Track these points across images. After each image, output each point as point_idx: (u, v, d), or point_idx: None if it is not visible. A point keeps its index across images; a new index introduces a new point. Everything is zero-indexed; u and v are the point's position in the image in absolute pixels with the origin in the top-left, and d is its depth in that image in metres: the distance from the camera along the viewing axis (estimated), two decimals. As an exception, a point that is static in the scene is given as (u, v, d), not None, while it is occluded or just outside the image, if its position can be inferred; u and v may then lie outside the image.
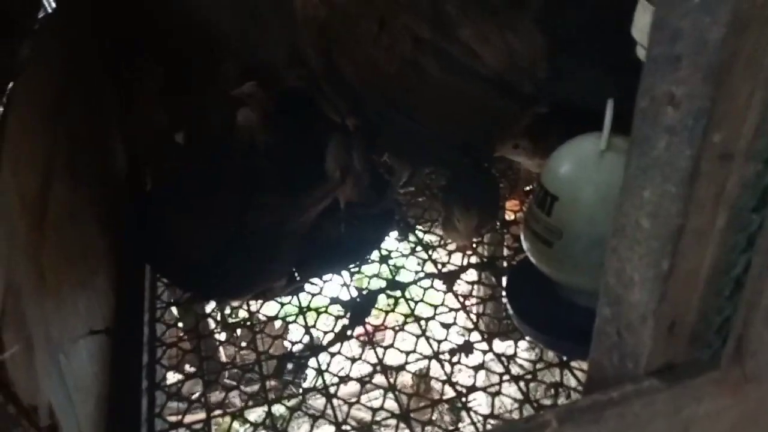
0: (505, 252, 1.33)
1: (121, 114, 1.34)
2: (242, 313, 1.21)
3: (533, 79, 1.09)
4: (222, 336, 1.24)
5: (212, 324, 1.22)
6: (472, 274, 1.27)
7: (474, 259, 1.39)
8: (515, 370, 1.05)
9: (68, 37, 1.10)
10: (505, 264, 1.30)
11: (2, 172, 0.59)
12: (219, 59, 1.41)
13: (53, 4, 1.07)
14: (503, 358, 1.07)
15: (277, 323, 1.19)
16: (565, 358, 1.06)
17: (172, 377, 1.12)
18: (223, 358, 1.29)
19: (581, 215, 0.93)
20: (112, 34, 1.41)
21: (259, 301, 1.21)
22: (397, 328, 1.15)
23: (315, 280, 1.27)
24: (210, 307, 1.23)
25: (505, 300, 1.11)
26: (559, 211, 0.96)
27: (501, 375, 1.03)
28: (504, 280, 1.25)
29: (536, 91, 1.11)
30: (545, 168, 0.99)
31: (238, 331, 1.21)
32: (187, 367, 1.19)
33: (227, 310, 1.22)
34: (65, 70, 1.03)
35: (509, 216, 1.43)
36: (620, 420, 0.56)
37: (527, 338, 1.09)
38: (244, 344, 1.16)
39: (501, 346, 1.15)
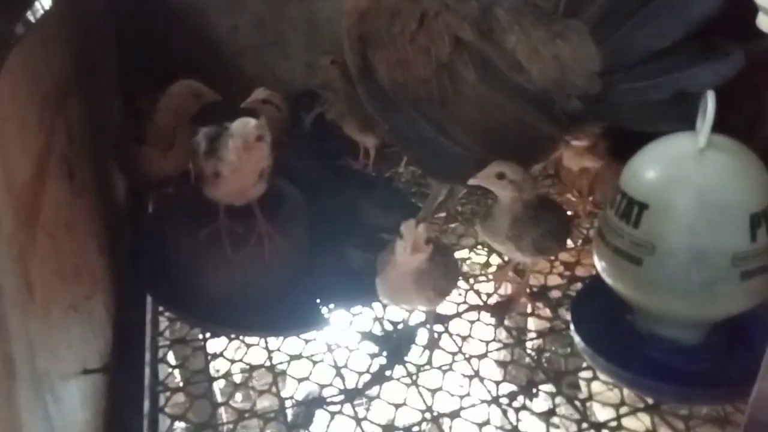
0: (557, 281, 1.18)
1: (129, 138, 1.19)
2: (260, 352, 1.03)
3: (582, 96, 0.97)
4: (237, 378, 1.05)
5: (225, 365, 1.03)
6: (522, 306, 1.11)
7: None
8: (594, 416, 0.88)
9: (78, 35, 0.99)
10: (558, 294, 1.14)
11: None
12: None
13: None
14: (577, 402, 0.90)
15: (302, 363, 1.02)
16: (651, 401, 0.89)
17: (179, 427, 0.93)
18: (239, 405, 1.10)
19: (679, 225, 0.79)
20: (131, 65, 1.39)
21: (281, 338, 1.04)
22: (444, 367, 0.98)
23: (343, 313, 1.10)
24: (223, 344, 1.05)
25: (572, 332, 0.95)
26: (649, 221, 0.81)
27: (578, 422, 0.86)
28: (561, 312, 1.10)
29: (584, 109, 0.98)
30: (627, 173, 0.85)
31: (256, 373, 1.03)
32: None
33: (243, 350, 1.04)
34: (71, 70, 0.90)
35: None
36: None
37: (603, 377, 0.92)
38: (264, 388, 0.97)
39: (571, 386, 0.97)
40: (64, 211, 0.74)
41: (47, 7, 0.84)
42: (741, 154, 0.80)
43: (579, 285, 1.14)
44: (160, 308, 1.08)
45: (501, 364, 0.98)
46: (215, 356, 1.04)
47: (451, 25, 1.00)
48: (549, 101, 0.98)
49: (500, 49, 0.98)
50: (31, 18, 0.77)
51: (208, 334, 1.06)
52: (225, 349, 1.05)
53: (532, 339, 1.05)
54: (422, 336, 1.04)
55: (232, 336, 1.05)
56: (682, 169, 0.80)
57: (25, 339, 0.50)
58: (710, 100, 0.77)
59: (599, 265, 0.89)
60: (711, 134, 0.78)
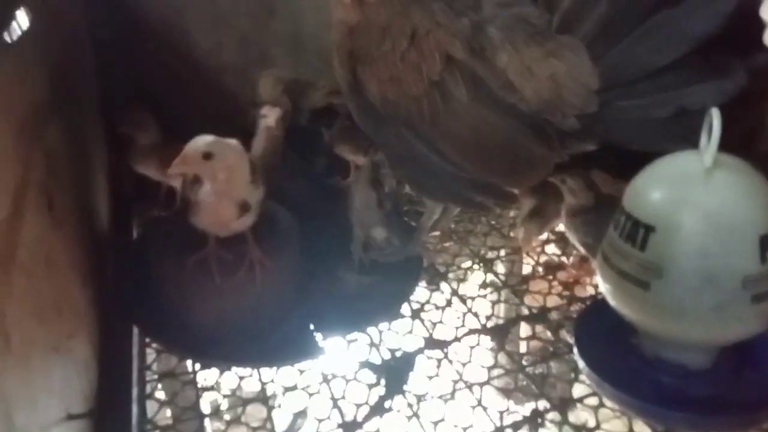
0: (556, 301, 1.15)
1: (112, 161, 1.16)
2: (253, 384, 0.98)
3: (579, 115, 0.94)
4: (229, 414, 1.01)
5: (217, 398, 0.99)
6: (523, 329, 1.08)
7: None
8: (602, 445, 0.85)
9: (55, 57, 0.95)
10: (555, 315, 1.12)
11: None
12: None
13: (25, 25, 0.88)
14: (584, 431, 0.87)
15: (297, 395, 0.97)
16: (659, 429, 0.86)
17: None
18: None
19: (687, 247, 0.76)
20: (112, 85, 1.36)
21: (274, 368, 1.00)
22: (446, 397, 0.94)
23: (338, 340, 1.06)
24: (214, 377, 1.01)
25: (576, 357, 0.92)
26: (656, 243, 0.79)
27: (587, 453, 0.83)
28: (562, 334, 1.07)
29: (580, 127, 0.96)
30: (631, 193, 0.83)
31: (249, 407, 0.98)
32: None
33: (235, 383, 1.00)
34: (48, 94, 0.85)
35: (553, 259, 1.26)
36: None
37: (609, 403, 0.89)
38: (258, 423, 0.93)
39: (577, 414, 0.94)
40: (44, 246, 0.70)
41: (25, 27, 0.80)
42: (748, 173, 0.78)
43: (579, 305, 1.11)
44: (147, 340, 1.04)
45: (504, 392, 0.94)
46: (206, 389, 1.00)
47: (442, 42, 0.97)
48: (543, 121, 0.95)
49: (492, 67, 0.96)
50: (8, 38, 0.73)
51: (198, 366, 1.02)
52: (216, 381, 1.00)
53: (534, 363, 1.02)
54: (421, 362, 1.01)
55: (224, 367, 1.00)
56: (688, 189, 0.77)
57: (1, 395, 0.45)
58: (715, 118, 0.75)
59: (604, 288, 0.87)
60: (716, 153, 0.76)
